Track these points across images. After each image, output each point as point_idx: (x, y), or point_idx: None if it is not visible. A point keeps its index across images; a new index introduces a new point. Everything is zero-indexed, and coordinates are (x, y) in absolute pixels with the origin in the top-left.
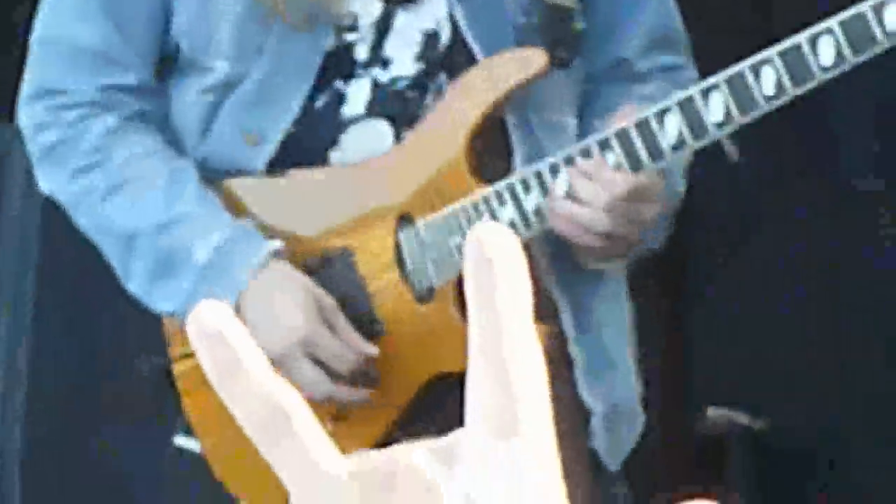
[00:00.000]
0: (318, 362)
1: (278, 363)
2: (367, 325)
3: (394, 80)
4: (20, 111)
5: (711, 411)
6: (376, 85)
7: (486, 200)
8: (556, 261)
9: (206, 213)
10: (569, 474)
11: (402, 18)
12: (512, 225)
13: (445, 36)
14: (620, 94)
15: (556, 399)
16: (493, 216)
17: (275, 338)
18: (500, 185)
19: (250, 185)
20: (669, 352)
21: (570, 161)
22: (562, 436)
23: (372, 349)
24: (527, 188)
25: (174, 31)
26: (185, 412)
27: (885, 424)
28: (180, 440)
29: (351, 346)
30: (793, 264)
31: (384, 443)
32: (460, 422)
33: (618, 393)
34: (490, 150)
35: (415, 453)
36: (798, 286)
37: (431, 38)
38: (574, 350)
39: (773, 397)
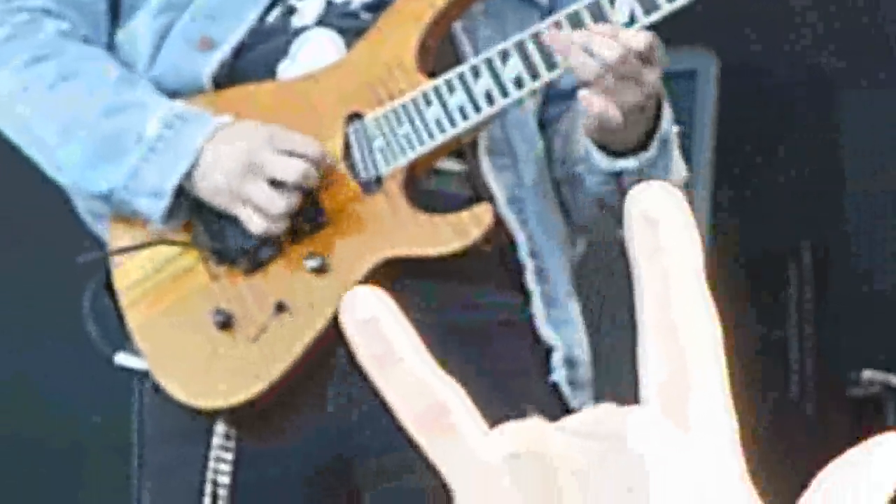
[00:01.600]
0: (289, 154)
1: (250, 167)
2: (311, 216)
3: (346, 2)
4: None
5: (867, 374)
6: (329, 4)
7: (437, 89)
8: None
9: (155, 99)
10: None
11: None
12: (461, 111)
13: None
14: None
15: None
16: (444, 105)
17: (242, 151)
18: (450, 74)
19: (201, 100)
20: (824, 319)
21: (520, 46)
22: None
23: (315, 146)
24: (476, 74)
25: None
26: (128, 326)
27: None
28: (122, 358)
29: (297, 152)
30: None
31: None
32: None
33: (577, 352)
34: (440, 60)
35: (562, 438)
36: None
37: None
38: (530, 283)
39: None
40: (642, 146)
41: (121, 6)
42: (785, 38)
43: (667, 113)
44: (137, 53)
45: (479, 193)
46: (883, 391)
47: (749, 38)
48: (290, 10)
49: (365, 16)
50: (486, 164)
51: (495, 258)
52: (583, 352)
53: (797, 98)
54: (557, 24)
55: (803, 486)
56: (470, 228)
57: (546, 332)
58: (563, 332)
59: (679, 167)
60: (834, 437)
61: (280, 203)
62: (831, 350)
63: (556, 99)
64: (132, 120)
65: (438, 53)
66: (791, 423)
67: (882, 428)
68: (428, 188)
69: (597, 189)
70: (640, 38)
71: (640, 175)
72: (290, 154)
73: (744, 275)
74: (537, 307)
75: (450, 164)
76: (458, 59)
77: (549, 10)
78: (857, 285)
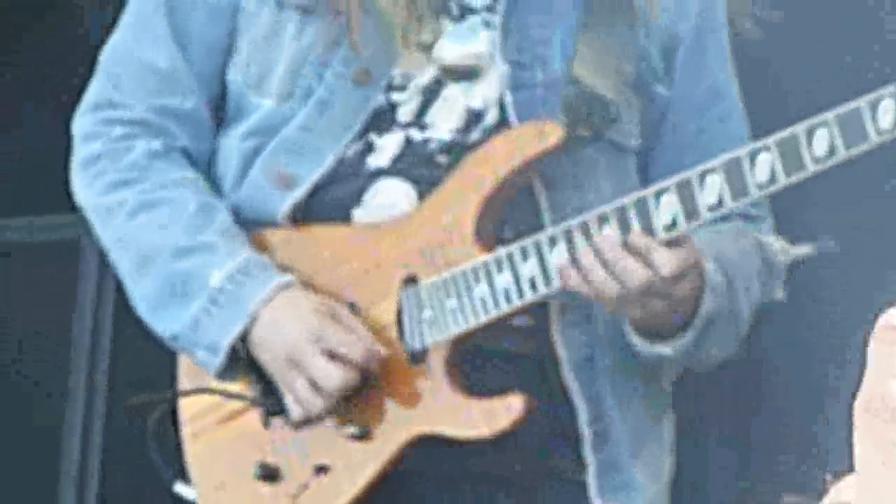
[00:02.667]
0: (332, 356)
1: (295, 366)
2: (362, 377)
3: (426, 141)
4: (74, 122)
5: None
6: (408, 142)
7: (486, 266)
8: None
9: (226, 244)
10: None
11: (451, 89)
12: (506, 293)
13: (491, 117)
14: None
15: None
16: (491, 284)
17: (288, 343)
18: (501, 252)
19: (277, 236)
20: None
21: (567, 233)
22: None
23: (379, 348)
24: (525, 257)
25: (231, 68)
26: (186, 457)
27: None
28: (179, 488)
29: (359, 336)
30: None
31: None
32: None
33: None
34: (516, 216)
35: None
36: None
37: (476, 116)
38: (587, 454)
39: None
40: (680, 330)
41: (225, 114)
42: None
43: (708, 299)
44: (227, 170)
45: (543, 353)
46: None
47: None
48: (370, 147)
49: (441, 159)
50: (555, 323)
51: (553, 426)
52: None
53: None
54: (602, 219)
55: None
56: (499, 417)
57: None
58: (622, 498)
59: (726, 341)
60: None
61: (317, 404)
62: None
63: None
64: (199, 266)
65: (521, 212)
66: None
67: None
68: (493, 346)
69: (654, 358)
70: (671, 265)
71: (682, 358)
72: (333, 357)
73: None
74: (591, 478)
75: (518, 320)
76: (538, 220)
77: (645, 151)
78: None
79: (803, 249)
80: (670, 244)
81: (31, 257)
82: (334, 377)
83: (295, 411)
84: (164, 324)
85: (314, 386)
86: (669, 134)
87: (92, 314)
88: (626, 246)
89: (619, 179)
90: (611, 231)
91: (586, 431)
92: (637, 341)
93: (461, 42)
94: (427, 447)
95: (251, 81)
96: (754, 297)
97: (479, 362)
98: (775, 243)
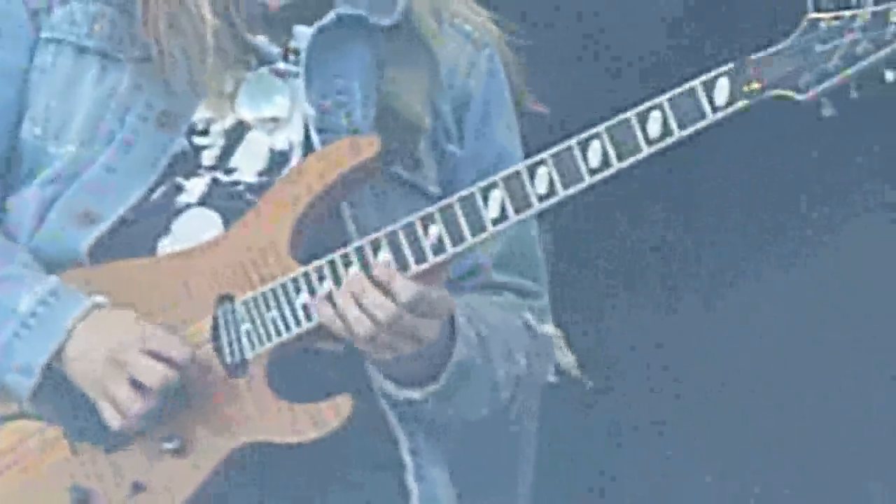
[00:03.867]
0: (153, 355)
1: (115, 364)
2: (172, 397)
3: (234, 183)
4: None
5: None
6: (216, 182)
7: (307, 276)
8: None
9: (31, 274)
10: None
11: (255, 133)
12: (304, 307)
13: (296, 159)
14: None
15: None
16: (312, 292)
17: (110, 346)
18: (321, 261)
19: (77, 275)
20: None
21: (392, 236)
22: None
23: (183, 352)
24: (347, 263)
25: (27, 123)
26: None
27: None
28: None
29: (164, 356)
30: None
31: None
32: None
33: None
34: (325, 234)
35: None
36: None
37: (280, 157)
38: (410, 481)
39: None
40: (432, 378)
41: (15, 175)
42: None
43: (459, 347)
44: (22, 221)
45: (359, 381)
46: None
47: None
48: (177, 189)
49: (250, 197)
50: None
51: (376, 453)
52: None
53: None
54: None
55: None
56: (328, 419)
57: None
58: None
59: (479, 399)
60: None
61: (137, 406)
62: None
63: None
64: (6, 294)
65: (327, 233)
66: None
67: None
68: (305, 370)
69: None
70: (409, 291)
71: (438, 403)
72: (157, 357)
73: None
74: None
75: (328, 344)
76: (345, 242)
77: (440, 198)
78: None
79: (569, 359)
80: (417, 278)
81: None
82: (158, 372)
83: (114, 421)
84: None
85: (136, 385)
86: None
87: None
88: (371, 279)
89: None
90: (387, 256)
91: (408, 459)
92: (388, 387)
93: (259, 96)
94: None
95: (51, 132)
96: (518, 367)
97: (298, 366)
98: (550, 330)
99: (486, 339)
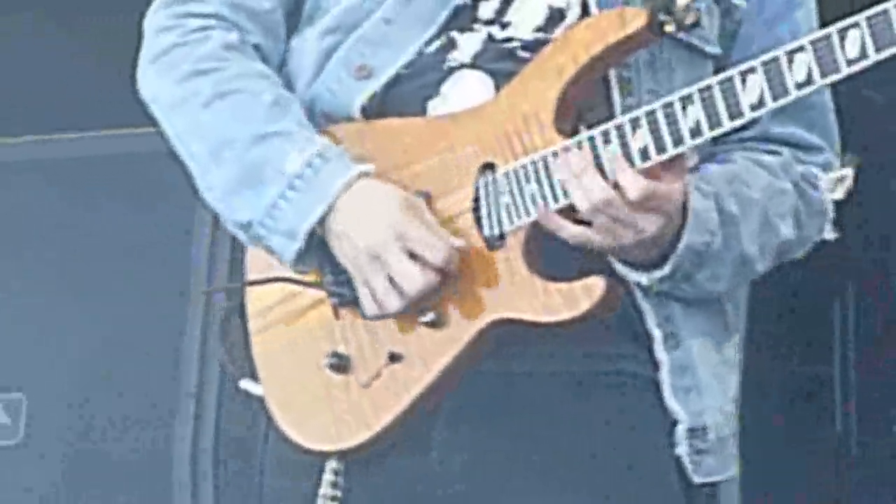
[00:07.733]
0: (413, 256)
1: (376, 260)
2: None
3: (508, 39)
4: (147, 19)
5: None
6: (491, 39)
7: (566, 150)
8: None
9: (303, 133)
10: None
11: None
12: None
13: (572, 15)
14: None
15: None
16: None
17: (371, 237)
18: (581, 136)
19: (350, 129)
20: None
21: (651, 115)
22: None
23: (458, 241)
24: (606, 140)
25: None
26: (253, 352)
27: None
28: (245, 384)
29: (441, 237)
30: None
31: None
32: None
33: (706, 419)
34: (590, 106)
35: None
36: None
37: (558, 13)
38: (658, 352)
39: None
40: (656, 265)
41: (300, 15)
42: None
43: (689, 233)
44: (302, 68)
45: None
46: None
47: None
48: (451, 44)
49: (523, 55)
50: None
51: (620, 325)
52: (713, 416)
53: None
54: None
55: None
56: (581, 300)
57: (671, 404)
58: (689, 402)
59: (722, 276)
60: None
61: (394, 304)
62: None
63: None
64: (276, 151)
65: (592, 103)
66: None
67: None
68: (557, 247)
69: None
70: (636, 187)
71: (664, 286)
72: (414, 257)
73: (788, 315)
74: (664, 377)
75: None
76: (610, 112)
77: (722, 61)
78: None
79: (846, 172)
80: (661, 165)
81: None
82: (417, 279)
83: (369, 308)
84: (237, 211)
85: (394, 285)
86: (740, 47)
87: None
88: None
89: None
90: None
91: (656, 332)
92: (619, 268)
93: None
94: (498, 345)
95: None
96: (779, 236)
97: (554, 251)
98: (823, 179)
99: (734, 218)
